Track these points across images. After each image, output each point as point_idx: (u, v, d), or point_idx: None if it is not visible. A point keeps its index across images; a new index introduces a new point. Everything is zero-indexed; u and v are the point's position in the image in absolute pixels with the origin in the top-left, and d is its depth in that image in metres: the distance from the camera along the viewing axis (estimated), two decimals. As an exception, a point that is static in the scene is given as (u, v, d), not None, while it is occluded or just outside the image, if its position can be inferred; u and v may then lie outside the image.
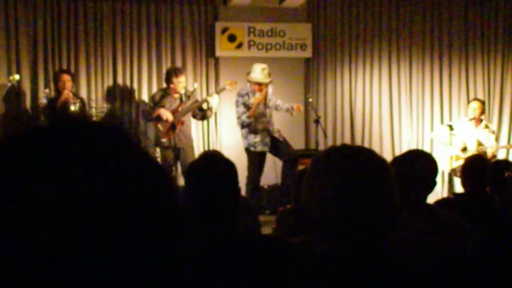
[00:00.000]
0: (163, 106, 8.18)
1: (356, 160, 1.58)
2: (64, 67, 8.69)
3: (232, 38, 9.24)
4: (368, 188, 1.53)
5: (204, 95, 8.82)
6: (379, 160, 1.61)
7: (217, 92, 8.31)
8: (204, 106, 8.31)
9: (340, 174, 1.54)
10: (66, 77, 8.13)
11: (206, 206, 2.39)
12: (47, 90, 8.21)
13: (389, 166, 1.59)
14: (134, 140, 0.84)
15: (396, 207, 1.55)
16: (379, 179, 1.55)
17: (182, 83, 8.18)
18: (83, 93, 8.82)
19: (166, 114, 8.12)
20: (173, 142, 8.14)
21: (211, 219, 2.38)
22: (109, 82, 9.03)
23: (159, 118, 8.14)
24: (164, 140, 8.15)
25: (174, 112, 8.15)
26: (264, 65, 8.01)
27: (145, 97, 9.07)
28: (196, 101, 8.34)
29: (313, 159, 1.64)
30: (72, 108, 7.81)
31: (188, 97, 8.20)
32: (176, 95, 8.21)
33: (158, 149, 8.26)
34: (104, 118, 8.51)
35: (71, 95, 8.05)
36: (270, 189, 8.84)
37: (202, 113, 8.36)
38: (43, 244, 0.73)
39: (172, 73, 8.21)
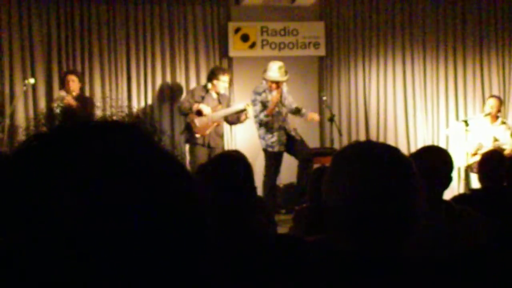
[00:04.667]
0: (202, 102, 8.23)
1: (381, 153, 1.56)
2: (79, 69, 8.72)
3: (245, 38, 9.26)
4: (392, 182, 1.51)
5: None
6: (404, 156, 1.59)
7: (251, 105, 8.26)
8: (246, 112, 8.30)
9: (364, 167, 1.53)
10: (71, 78, 8.13)
11: (221, 205, 2.42)
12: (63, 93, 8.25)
13: (413, 165, 1.57)
14: (156, 139, 0.83)
15: (421, 208, 1.53)
16: (404, 174, 1.53)
17: (225, 82, 8.27)
18: (98, 94, 8.85)
19: (207, 109, 8.16)
20: (207, 140, 8.18)
21: (226, 218, 2.40)
22: (123, 83, 9.03)
23: (199, 113, 8.20)
24: (198, 136, 8.18)
25: (213, 110, 8.22)
26: (280, 63, 7.97)
27: (160, 98, 9.10)
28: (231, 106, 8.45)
29: (335, 153, 1.63)
30: (58, 110, 7.74)
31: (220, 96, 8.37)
32: (215, 95, 8.28)
33: (187, 146, 8.28)
34: (125, 118, 8.53)
35: (63, 94, 8.02)
36: (286, 188, 8.83)
37: (236, 117, 8.35)
38: (67, 251, 0.73)
39: (219, 70, 8.30)
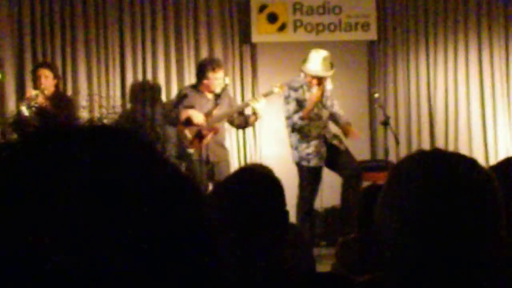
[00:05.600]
0: (192, 107, 8.24)
1: (453, 166, 1.55)
2: (58, 61, 8.81)
3: (272, 18, 9.27)
4: (467, 205, 1.49)
5: (238, 94, 8.96)
6: (483, 170, 1.58)
7: (264, 95, 8.26)
8: (247, 110, 8.43)
9: (430, 184, 1.51)
10: (43, 72, 8.16)
11: (244, 236, 2.40)
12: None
13: (495, 181, 1.56)
14: (158, 149, 0.83)
15: (503, 237, 1.51)
16: (484, 194, 1.52)
17: (219, 79, 8.20)
18: (83, 92, 8.86)
19: (198, 117, 8.14)
20: (205, 155, 8.13)
21: (250, 253, 2.38)
22: (115, 78, 9.10)
23: (188, 122, 8.20)
24: (191, 151, 8.21)
25: (207, 116, 8.18)
26: (325, 53, 7.96)
27: (162, 96, 9.15)
28: (235, 104, 8.45)
29: (392, 166, 1.61)
30: (26, 113, 7.80)
31: (219, 96, 8.22)
32: (210, 95, 8.27)
33: (183, 164, 8.34)
34: (118, 121, 8.57)
35: (36, 93, 8.06)
36: (326, 214, 8.85)
37: (243, 119, 8.40)
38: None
39: (208, 66, 8.23)
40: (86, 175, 0.76)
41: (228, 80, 8.49)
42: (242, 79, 9.40)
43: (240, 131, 9.14)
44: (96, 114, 8.38)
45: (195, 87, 8.37)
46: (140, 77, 9.16)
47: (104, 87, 9.05)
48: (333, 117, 8.25)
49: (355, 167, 8.17)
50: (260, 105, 8.16)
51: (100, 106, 8.68)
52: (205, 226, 0.82)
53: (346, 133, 8.21)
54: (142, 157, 0.81)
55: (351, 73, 9.50)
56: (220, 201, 2.50)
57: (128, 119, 8.74)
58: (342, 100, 8.47)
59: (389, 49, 9.70)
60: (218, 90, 8.21)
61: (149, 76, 9.17)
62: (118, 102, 9.00)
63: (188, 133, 8.18)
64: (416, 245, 1.49)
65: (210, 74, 8.14)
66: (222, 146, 8.40)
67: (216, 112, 8.21)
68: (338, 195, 8.24)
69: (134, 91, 9.16)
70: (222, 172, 8.07)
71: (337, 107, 8.27)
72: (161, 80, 9.22)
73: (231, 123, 8.49)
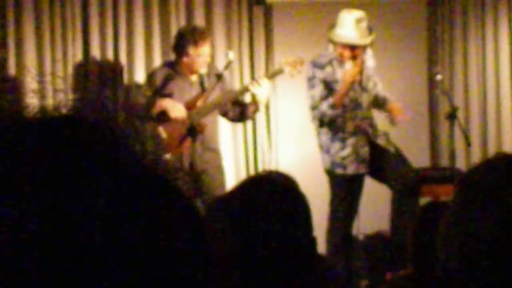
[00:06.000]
0: (169, 95, 8.21)
1: None
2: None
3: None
4: None
5: (246, 73, 8.97)
6: None
7: (269, 77, 8.26)
8: (245, 98, 8.43)
9: None
10: None
11: (254, 274, 2.41)
12: None
13: None
14: (135, 148, 0.86)
15: None
16: None
17: (204, 55, 8.15)
18: (32, 71, 8.80)
19: (176, 109, 8.12)
20: (187, 162, 8.09)
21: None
22: (76, 51, 9.02)
23: (163, 117, 8.17)
24: (168, 156, 8.11)
25: (189, 107, 8.14)
26: (360, 14, 7.90)
27: (138, 78, 9.10)
28: (229, 90, 8.44)
29: (462, 177, 1.60)
30: None
31: (219, 77, 8.16)
32: (193, 77, 8.25)
33: None
34: (79, 110, 8.58)
35: None
36: (369, 242, 8.79)
37: (239, 109, 8.43)
38: None
39: (187, 38, 8.16)
40: (34, 190, 0.78)
41: (232, 55, 8.44)
42: (251, 52, 9.45)
43: (249, 127, 9.21)
44: (50, 101, 8.39)
45: (172, 66, 8.38)
46: (110, 52, 9.12)
47: (61, 64, 8.97)
48: (376, 102, 8.23)
49: (410, 176, 8.01)
50: (262, 91, 8.09)
51: (56, 90, 8.65)
52: (186, 258, 0.84)
53: (392, 114, 8.08)
54: (111, 161, 0.82)
55: (403, 46, 9.58)
56: (218, 224, 2.49)
57: (95, 108, 8.73)
58: (389, 85, 8.50)
59: (457, 13, 9.73)
60: (203, 69, 8.18)
61: (123, 51, 9.15)
62: (80, 84, 8.97)
63: (164, 132, 8.18)
64: (499, 285, 1.47)
65: (191, 50, 8.07)
66: (211, 149, 8.32)
67: (202, 101, 8.22)
68: (386, 216, 8.17)
69: (103, 70, 9.16)
70: (211, 182, 8.14)
71: (380, 89, 8.24)
72: (138, 60, 9.20)
73: (225, 115, 8.49)
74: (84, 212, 0.80)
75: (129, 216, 0.81)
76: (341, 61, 7.89)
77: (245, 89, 8.35)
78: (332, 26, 7.92)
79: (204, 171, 8.17)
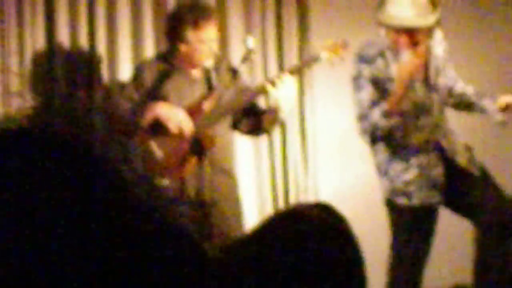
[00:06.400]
0: (164, 98, 8.01)
1: None
2: None
3: None
4: None
5: (272, 65, 9.01)
6: None
7: (291, 72, 7.94)
8: (260, 102, 8.12)
9: None
10: None
11: None
12: None
13: None
14: (110, 165, 1.01)
15: None
16: None
17: (208, 41, 7.93)
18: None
19: (174, 116, 7.89)
20: (193, 190, 7.91)
21: None
22: (35, 40, 9.12)
23: (156, 128, 7.90)
24: (166, 182, 7.93)
25: (192, 114, 7.89)
26: None
27: (122, 75, 9.06)
28: (245, 88, 8.08)
29: None
30: None
31: (235, 74, 8.03)
32: (196, 72, 8.09)
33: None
34: (37, 117, 8.68)
35: None
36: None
37: (252, 120, 8.20)
38: None
39: (184, 18, 7.99)
40: None
41: (252, 42, 8.05)
42: (279, 40, 9.35)
43: (277, 141, 9.09)
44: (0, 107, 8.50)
45: (166, 58, 8.12)
46: (83, 39, 9.19)
47: (16, 55, 9.01)
48: (462, 102, 8.03)
49: (503, 209, 7.81)
50: (283, 92, 7.82)
51: (8, 91, 8.75)
52: None
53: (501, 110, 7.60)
54: (87, 172, 1.06)
55: (482, 28, 10.07)
56: (238, 275, 2.58)
57: (60, 114, 8.81)
58: (469, 75, 8.46)
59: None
60: (208, 61, 7.90)
61: (102, 38, 9.22)
62: (42, 84, 8.86)
63: (158, 148, 7.96)
64: None
65: (191, 34, 7.89)
66: (224, 172, 8.10)
67: (209, 106, 7.92)
68: (468, 263, 8.10)
69: (73, 64, 9.12)
70: (226, 219, 7.98)
71: (462, 83, 7.96)
72: (123, 45, 9.20)
73: (236, 126, 8.17)
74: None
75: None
76: (396, 52, 7.71)
77: (261, 89, 8.02)
78: (381, 3, 7.62)
79: (214, 203, 7.88)
